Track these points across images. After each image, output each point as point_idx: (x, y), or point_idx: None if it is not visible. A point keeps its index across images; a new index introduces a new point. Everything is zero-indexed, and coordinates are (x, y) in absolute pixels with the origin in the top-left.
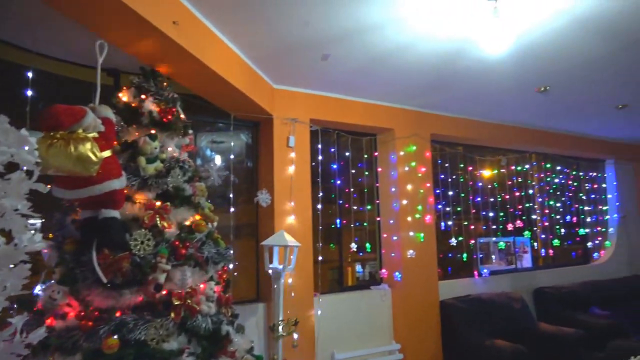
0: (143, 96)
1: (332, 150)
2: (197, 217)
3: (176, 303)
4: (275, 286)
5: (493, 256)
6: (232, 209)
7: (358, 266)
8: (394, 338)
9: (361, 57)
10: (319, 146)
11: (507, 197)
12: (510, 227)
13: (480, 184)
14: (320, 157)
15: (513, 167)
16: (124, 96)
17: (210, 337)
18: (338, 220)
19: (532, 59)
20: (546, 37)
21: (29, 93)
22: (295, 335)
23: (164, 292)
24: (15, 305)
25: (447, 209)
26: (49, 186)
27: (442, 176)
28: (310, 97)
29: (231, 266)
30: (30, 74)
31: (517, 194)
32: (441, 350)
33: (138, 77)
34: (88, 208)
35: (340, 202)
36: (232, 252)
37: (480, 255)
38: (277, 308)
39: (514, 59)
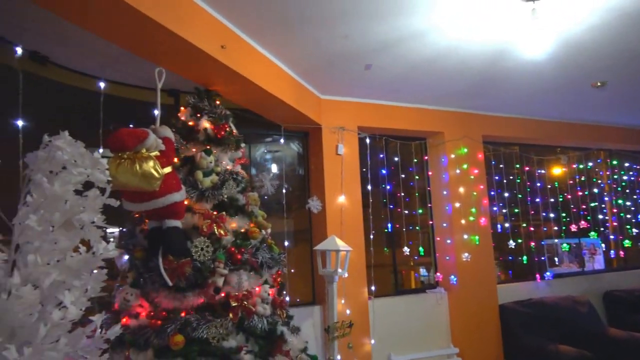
0: (198, 115)
1: (381, 156)
2: (251, 225)
3: (234, 305)
4: (329, 289)
5: (556, 259)
6: (285, 216)
7: (422, 270)
8: (451, 341)
9: (403, 65)
10: (368, 152)
11: (570, 196)
12: (574, 228)
13: (539, 184)
14: (369, 163)
15: (575, 165)
16: (182, 116)
17: (266, 336)
18: (390, 225)
19: (580, 56)
20: (590, 34)
21: (101, 116)
22: (351, 338)
23: (222, 295)
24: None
25: (504, 210)
26: (118, 201)
27: (497, 177)
28: (356, 105)
29: (286, 270)
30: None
31: (581, 193)
32: (502, 355)
33: (193, 97)
34: (153, 219)
35: (392, 206)
36: (285, 256)
37: (543, 258)
38: (331, 310)
39: (561, 57)
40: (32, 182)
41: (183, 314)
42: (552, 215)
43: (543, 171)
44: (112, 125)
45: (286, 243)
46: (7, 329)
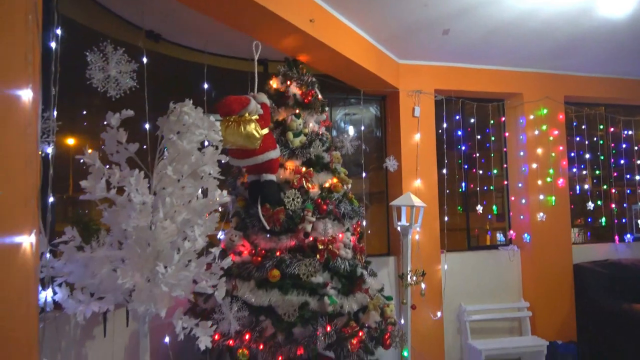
0: (288, 82)
1: (457, 117)
2: (335, 180)
3: (320, 247)
4: (403, 241)
5: (639, 221)
6: (364, 174)
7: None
8: (522, 296)
9: (482, 29)
10: (444, 114)
11: None
12: None
13: (624, 145)
14: (445, 125)
15: None
16: (273, 83)
17: (348, 276)
18: (464, 184)
19: None
20: None
21: (205, 85)
22: (423, 286)
23: (310, 239)
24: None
25: (584, 172)
26: (227, 157)
27: (578, 139)
28: (433, 68)
29: (364, 223)
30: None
31: None
32: (574, 312)
33: (283, 66)
34: (253, 173)
35: (466, 167)
36: (364, 210)
37: (624, 221)
38: (405, 260)
39: None
40: (166, 140)
41: (278, 254)
42: (637, 177)
43: (630, 132)
44: (214, 93)
45: (364, 199)
46: (154, 252)
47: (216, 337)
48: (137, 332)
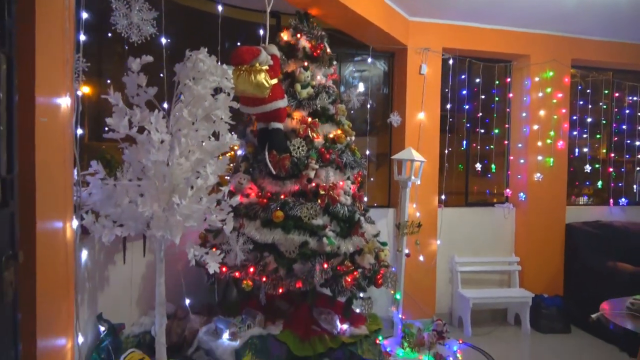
0: (298, 35)
1: (463, 77)
2: (339, 132)
3: (322, 193)
4: (402, 194)
5: (635, 186)
6: (369, 130)
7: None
8: (514, 252)
9: None
10: (450, 73)
11: None
12: None
13: (628, 111)
14: (450, 84)
15: None
16: (284, 36)
17: (346, 220)
18: (465, 142)
19: None
20: None
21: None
22: (419, 236)
23: (313, 185)
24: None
25: (584, 135)
26: (238, 104)
27: (582, 102)
28: (443, 27)
29: (366, 172)
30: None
31: None
32: (562, 269)
33: (294, 19)
34: (261, 121)
35: (469, 125)
36: (366, 161)
37: (620, 185)
38: (403, 211)
39: None
40: (182, 85)
41: (283, 197)
42: (638, 143)
43: (635, 98)
44: (227, 43)
45: (367, 152)
46: (171, 186)
47: (224, 269)
48: (153, 263)
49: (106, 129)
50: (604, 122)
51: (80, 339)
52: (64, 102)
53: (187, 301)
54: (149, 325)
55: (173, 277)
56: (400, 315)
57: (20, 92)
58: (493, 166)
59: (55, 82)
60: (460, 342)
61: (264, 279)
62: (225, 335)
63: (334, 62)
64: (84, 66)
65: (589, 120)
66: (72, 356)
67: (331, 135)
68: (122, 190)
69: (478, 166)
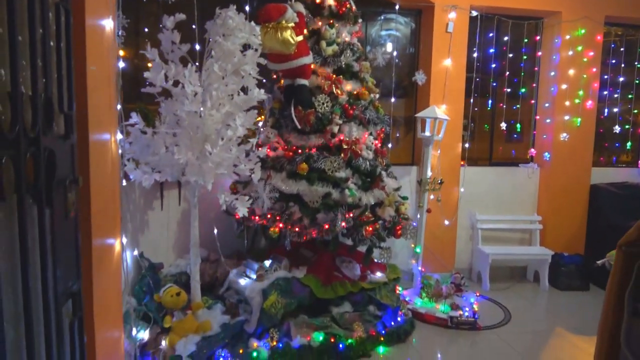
0: None
1: (491, 35)
2: (362, 88)
3: (345, 147)
4: (425, 151)
5: None
6: (394, 88)
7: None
8: (536, 211)
9: None
10: (478, 31)
11: None
12: None
13: None
14: (477, 42)
15: None
16: None
17: (368, 174)
18: (490, 101)
19: None
20: None
21: None
22: (440, 193)
23: (336, 139)
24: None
25: (615, 96)
26: (265, 61)
27: (614, 61)
28: None
29: (389, 129)
30: None
31: None
32: (585, 229)
33: None
34: (288, 77)
35: (495, 84)
36: (389, 119)
37: None
38: (425, 168)
39: None
40: (212, 42)
41: (307, 150)
42: None
43: None
44: (255, 2)
45: (391, 109)
46: (203, 136)
47: (253, 217)
48: (188, 211)
49: (147, 83)
50: (637, 81)
51: (125, 240)
52: (109, 54)
53: (219, 245)
54: (185, 266)
55: (206, 225)
56: (419, 268)
57: (75, 42)
58: (518, 125)
59: (101, 32)
60: (478, 294)
61: (289, 227)
62: (254, 276)
63: (359, 20)
64: (124, 22)
65: (621, 79)
66: (120, 258)
67: (355, 92)
68: (160, 139)
69: (503, 125)
